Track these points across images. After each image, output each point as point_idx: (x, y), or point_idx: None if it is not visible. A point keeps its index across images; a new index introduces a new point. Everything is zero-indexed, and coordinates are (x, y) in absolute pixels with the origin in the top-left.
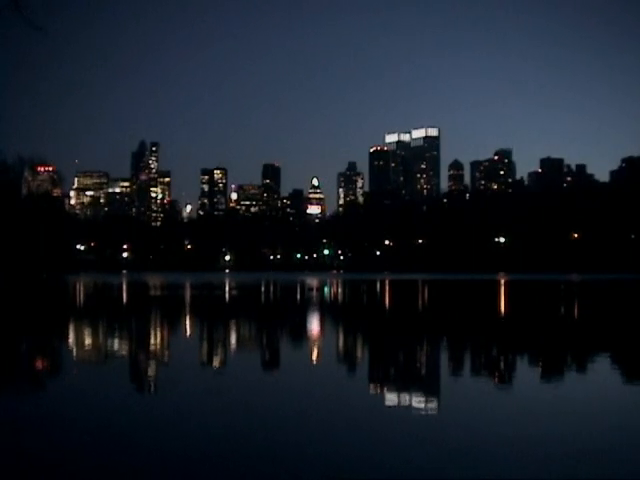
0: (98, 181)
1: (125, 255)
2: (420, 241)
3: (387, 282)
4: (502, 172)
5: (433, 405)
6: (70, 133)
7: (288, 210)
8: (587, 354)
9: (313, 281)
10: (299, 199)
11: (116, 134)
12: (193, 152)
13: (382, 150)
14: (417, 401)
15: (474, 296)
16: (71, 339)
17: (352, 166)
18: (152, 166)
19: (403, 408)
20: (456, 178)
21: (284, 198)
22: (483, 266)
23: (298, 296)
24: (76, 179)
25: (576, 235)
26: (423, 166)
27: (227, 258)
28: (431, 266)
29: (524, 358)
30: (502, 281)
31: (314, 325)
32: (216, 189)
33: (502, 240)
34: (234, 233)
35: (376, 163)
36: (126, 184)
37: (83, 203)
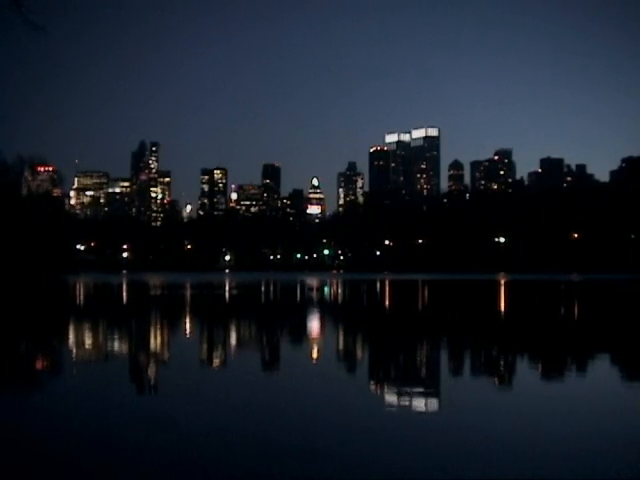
0: (98, 181)
1: (125, 255)
2: (420, 241)
3: (387, 282)
4: (502, 172)
5: (434, 405)
6: (70, 133)
7: (288, 210)
8: (587, 354)
9: (313, 281)
10: (299, 199)
11: (116, 134)
12: (193, 152)
13: (382, 150)
14: (417, 401)
15: (474, 296)
16: (71, 339)
17: (352, 166)
18: (152, 166)
19: (403, 408)
20: (456, 178)
21: (284, 198)
22: (483, 266)
23: (298, 296)
24: (76, 179)
25: (576, 235)
26: (423, 166)
27: (227, 258)
28: (431, 266)
29: (524, 358)
30: (502, 281)
31: (313, 325)
32: (216, 189)
33: (502, 240)
34: (234, 233)
35: (376, 163)
36: (126, 184)
37: (83, 203)
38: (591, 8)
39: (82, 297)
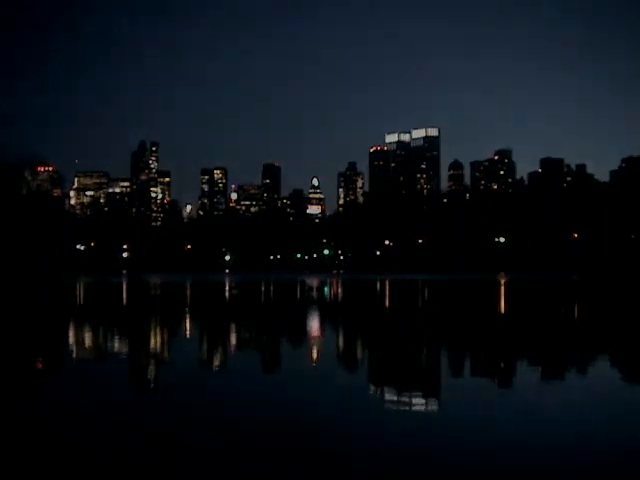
0: (98, 181)
1: (125, 255)
2: (420, 241)
3: (387, 282)
4: (502, 172)
5: (434, 407)
6: (70, 133)
7: (288, 210)
8: (584, 354)
9: (313, 281)
10: (299, 199)
11: (116, 134)
12: (193, 152)
13: (382, 150)
14: (418, 404)
15: (473, 296)
16: (71, 339)
17: (352, 166)
18: (152, 166)
19: (404, 410)
20: (456, 178)
21: (284, 198)
22: (483, 266)
23: (298, 296)
24: (76, 179)
25: (576, 235)
26: (423, 166)
27: (227, 258)
28: (431, 266)
29: (521, 359)
30: (502, 281)
31: (313, 325)
32: (216, 189)
33: (502, 240)
34: (234, 233)
35: (376, 163)
36: (126, 184)
37: (83, 203)
38: (591, 8)
39: (82, 297)
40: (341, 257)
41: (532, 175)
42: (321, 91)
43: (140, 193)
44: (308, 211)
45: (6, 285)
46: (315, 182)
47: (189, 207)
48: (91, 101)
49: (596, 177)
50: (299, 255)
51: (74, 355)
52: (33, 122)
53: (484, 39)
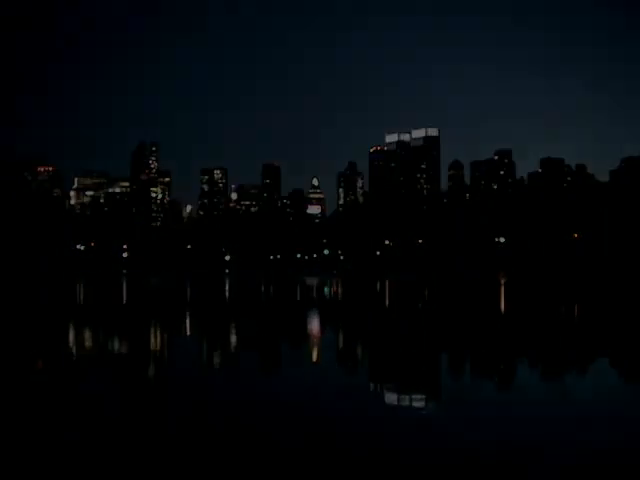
0: (98, 181)
1: (125, 255)
2: (420, 241)
3: (387, 282)
4: (502, 172)
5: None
6: (70, 133)
7: (288, 210)
8: (579, 354)
9: (313, 281)
10: (299, 199)
11: (116, 134)
12: (193, 152)
13: (382, 150)
14: (417, 403)
15: (472, 296)
16: (71, 339)
17: (352, 166)
18: (152, 166)
19: (401, 409)
20: (456, 178)
21: (284, 198)
22: (483, 266)
23: (298, 296)
24: (76, 179)
25: (576, 235)
26: (423, 166)
27: (227, 258)
28: (431, 266)
29: (514, 358)
30: (502, 281)
31: (312, 325)
32: (216, 189)
33: (502, 240)
34: (234, 233)
35: (376, 163)
36: (126, 184)
37: (83, 203)
38: (591, 8)
39: (82, 297)
40: (341, 257)
41: (532, 175)
42: (321, 91)
43: (140, 193)
44: (308, 211)
45: (6, 285)
46: (315, 182)
47: (189, 207)
48: (91, 101)
49: (596, 177)
50: (299, 255)
51: (73, 355)
52: (33, 122)
53: (484, 40)
